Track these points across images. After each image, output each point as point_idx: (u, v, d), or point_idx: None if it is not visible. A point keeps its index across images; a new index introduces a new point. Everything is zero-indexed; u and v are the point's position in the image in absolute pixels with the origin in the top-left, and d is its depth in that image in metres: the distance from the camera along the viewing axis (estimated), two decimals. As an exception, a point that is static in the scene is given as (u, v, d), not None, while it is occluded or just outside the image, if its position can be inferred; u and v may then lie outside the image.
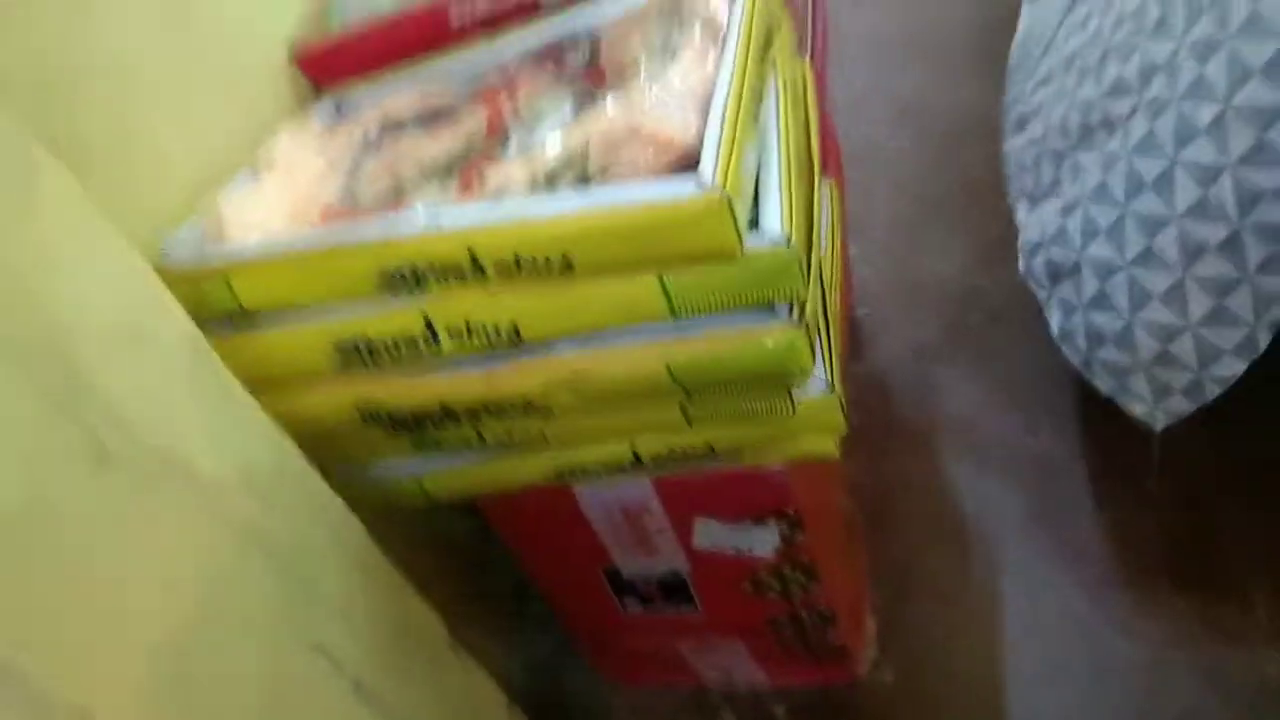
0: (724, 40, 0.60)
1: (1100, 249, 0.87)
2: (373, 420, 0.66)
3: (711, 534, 0.81)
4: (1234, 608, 0.89)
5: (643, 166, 0.55)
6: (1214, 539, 0.94)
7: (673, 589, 0.89)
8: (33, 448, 0.41)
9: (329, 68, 0.85)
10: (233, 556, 0.50)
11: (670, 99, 0.57)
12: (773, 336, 0.56)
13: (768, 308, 0.56)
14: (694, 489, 0.76)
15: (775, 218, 0.55)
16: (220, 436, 0.52)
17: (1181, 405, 0.86)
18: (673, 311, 0.56)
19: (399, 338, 0.62)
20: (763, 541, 0.80)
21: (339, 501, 0.62)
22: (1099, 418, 1.06)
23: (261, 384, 0.62)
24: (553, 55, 0.73)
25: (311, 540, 0.58)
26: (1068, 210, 0.92)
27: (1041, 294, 0.98)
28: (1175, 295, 0.82)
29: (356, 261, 0.59)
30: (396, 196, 0.67)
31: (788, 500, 0.76)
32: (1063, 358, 0.93)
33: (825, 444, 0.71)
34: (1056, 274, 0.94)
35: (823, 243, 0.66)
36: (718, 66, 0.58)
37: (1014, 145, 1.06)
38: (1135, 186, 0.83)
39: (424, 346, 0.62)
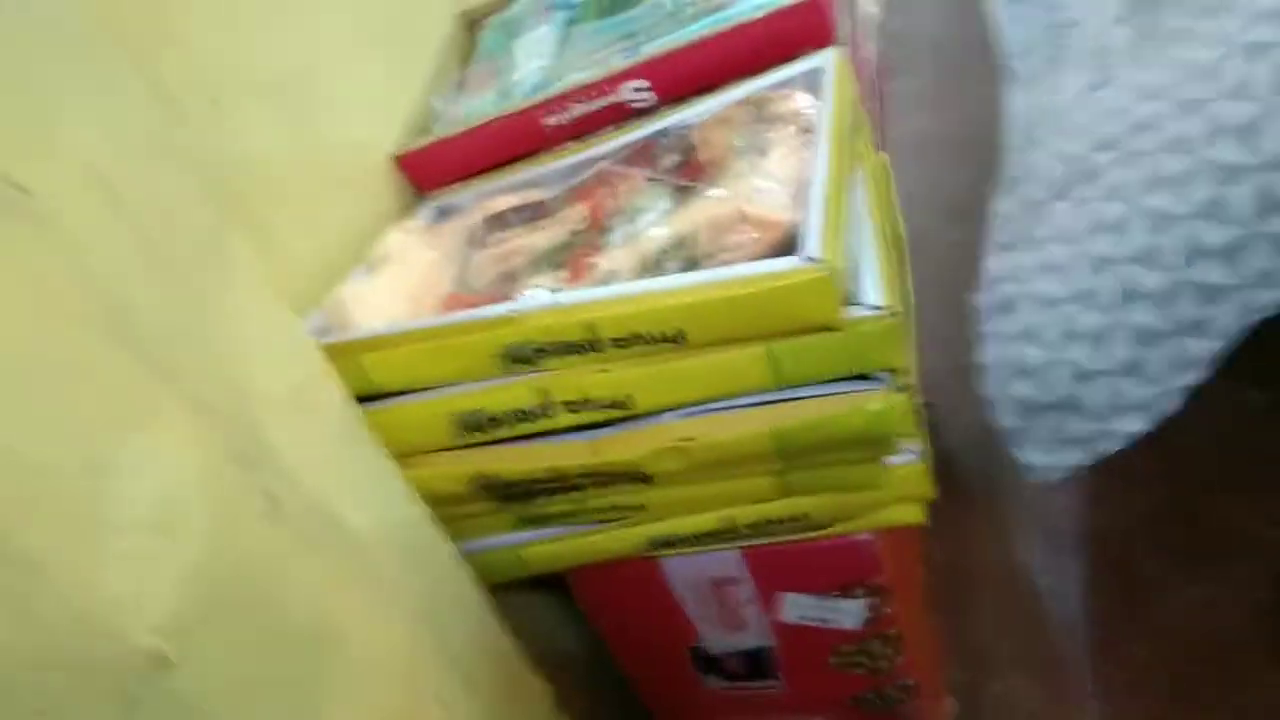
0: (816, 132, 0.66)
1: (1046, 283, 0.89)
2: (486, 490, 0.70)
3: (800, 606, 0.83)
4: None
5: (749, 248, 0.61)
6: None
7: (757, 665, 0.90)
8: (222, 497, 0.45)
9: (430, 171, 0.92)
10: (377, 605, 0.54)
11: (770, 186, 0.62)
12: (877, 401, 0.59)
13: (870, 375, 0.60)
14: (784, 560, 0.79)
15: (875, 289, 0.59)
16: (367, 497, 0.56)
17: (1074, 458, 0.88)
18: (779, 380, 0.61)
19: (517, 410, 0.66)
20: (851, 613, 0.82)
21: (464, 566, 0.66)
22: (1170, 491, 1.07)
23: (393, 447, 0.67)
24: (646, 156, 0.79)
25: (440, 599, 0.61)
26: (1030, 250, 0.95)
27: (982, 328, 0.98)
28: (1102, 337, 0.84)
29: (481, 339, 0.64)
30: (508, 284, 0.73)
31: (876, 570, 0.78)
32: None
33: (914, 513, 0.74)
34: (1002, 307, 0.96)
35: (911, 331, 0.70)
36: (813, 156, 0.64)
37: (1002, 205, 1.10)
38: (1094, 227, 0.86)
39: (540, 418, 0.66)
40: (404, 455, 0.69)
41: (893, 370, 0.60)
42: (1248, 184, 0.75)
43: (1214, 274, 0.78)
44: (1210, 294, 0.78)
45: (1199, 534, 1.04)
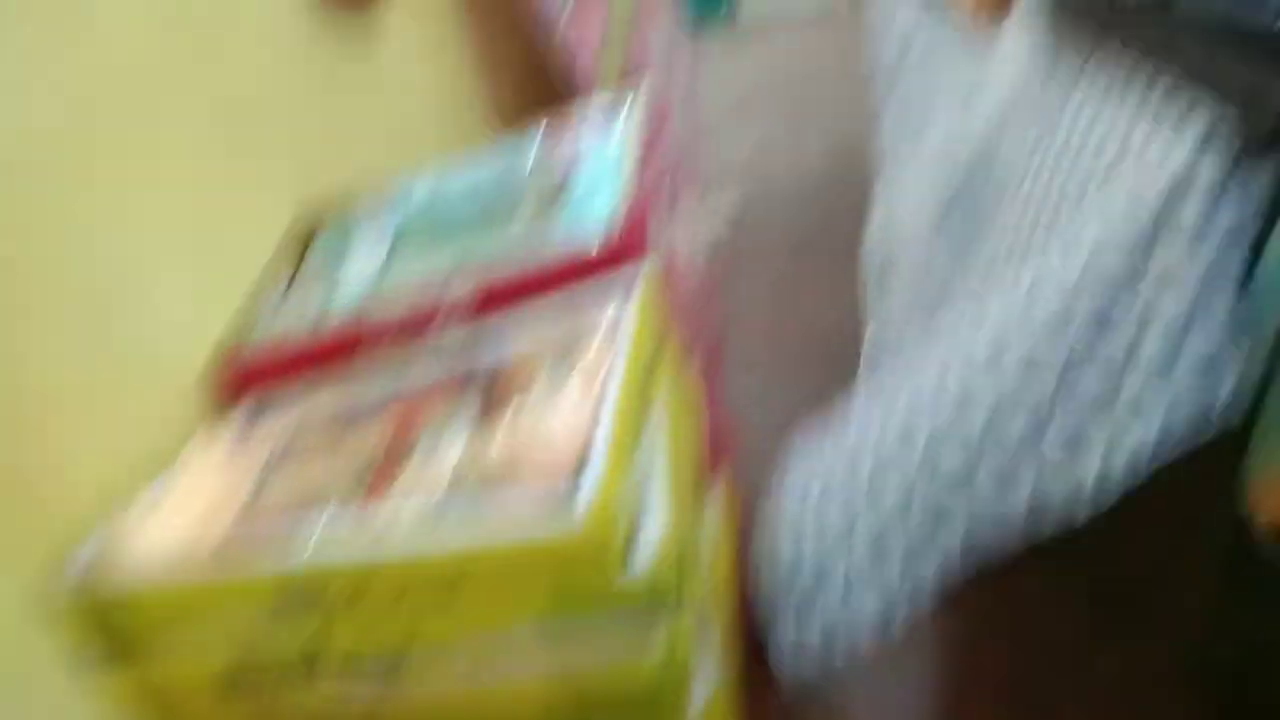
0: (607, 375, 0.66)
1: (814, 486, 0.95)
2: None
3: None
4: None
5: (529, 487, 0.59)
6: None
7: None
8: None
9: (247, 378, 0.89)
10: None
11: (557, 428, 0.62)
12: (648, 662, 0.58)
13: (643, 636, 0.59)
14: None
15: (650, 550, 0.58)
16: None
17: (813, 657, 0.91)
18: (552, 640, 0.58)
19: (285, 665, 0.62)
20: None
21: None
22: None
23: (145, 713, 0.62)
24: (457, 381, 0.78)
25: None
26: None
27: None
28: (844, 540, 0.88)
29: (247, 592, 0.61)
30: (303, 508, 0.70)
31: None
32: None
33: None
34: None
35: (707, 553, 0.70)
36: (601, 399, 0.64)
37: None
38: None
39: (310, 673, 0.62)
40: (165, 713, 0.64)
41: (669, 629, 0.59)
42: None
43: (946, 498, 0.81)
44: (939, 517, 0.82)
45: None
